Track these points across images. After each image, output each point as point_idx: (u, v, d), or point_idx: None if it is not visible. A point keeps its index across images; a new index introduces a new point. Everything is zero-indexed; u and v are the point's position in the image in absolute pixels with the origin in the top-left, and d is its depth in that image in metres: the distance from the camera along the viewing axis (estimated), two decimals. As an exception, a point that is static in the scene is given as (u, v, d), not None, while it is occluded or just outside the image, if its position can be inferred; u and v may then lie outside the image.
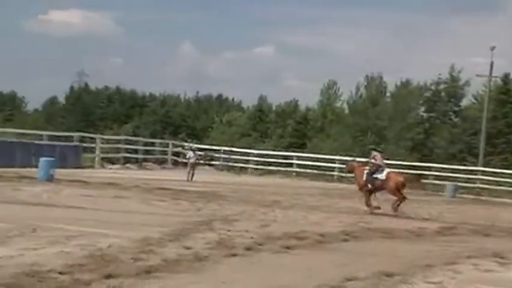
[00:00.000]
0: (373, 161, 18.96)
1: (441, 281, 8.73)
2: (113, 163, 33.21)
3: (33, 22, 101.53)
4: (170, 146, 38.48)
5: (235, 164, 37.42)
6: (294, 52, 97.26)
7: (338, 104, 55.55)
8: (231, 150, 38.09)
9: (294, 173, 36.12)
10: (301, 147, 45.21)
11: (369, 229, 13.89)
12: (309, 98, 64.45)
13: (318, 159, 36.20)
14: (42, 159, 21.04)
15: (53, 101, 68.58)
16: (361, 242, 12.01)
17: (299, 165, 36.57)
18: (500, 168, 34.92)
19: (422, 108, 48.68)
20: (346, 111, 53.91)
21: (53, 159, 21.71)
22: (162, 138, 43.68)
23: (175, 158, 37.53)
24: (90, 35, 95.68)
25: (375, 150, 20.27)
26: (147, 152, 36.79)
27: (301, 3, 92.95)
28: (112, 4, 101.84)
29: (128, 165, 33.39)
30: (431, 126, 46.34)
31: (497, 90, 43.63)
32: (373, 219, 16.06)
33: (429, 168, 35.28)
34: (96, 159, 31.37)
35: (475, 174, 35.12)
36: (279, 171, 36.63)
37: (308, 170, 35.90)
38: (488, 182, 33.88)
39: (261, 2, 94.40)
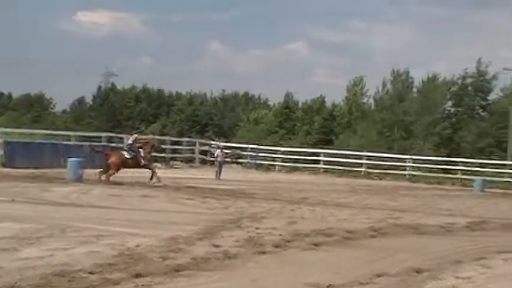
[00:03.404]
0: None
1: (471, 276, 8.65)
2: (141, 162, 33.34)
3: (61, 23, 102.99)
4: (197, 144, 38.59)
5: (263, 162, 37.40)
6: (321, 49, 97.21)
7: (364, 100, 55.33)
8: (258, 148, 38.08)
9: (322, 170, 36.02)
10: (328, 143, 45.14)
11: (397, 225, 13.80)
12: (336, 95, 64.34)
13: (345, 156, 36.08)
14: (71, 160, 21.14)
15: (80, 101, 69.22)
16: (389, 238, 11.92)
17: (326, 162, 36.45)
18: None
19: (450, 103, 48.29)
20: (373, 107, 53.62)
21: (81, 159, 21.79)
22: (189, 137, 43.82)
23: (202, 156, 37.65)
24: (118, 35, 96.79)
25: None
26: (174, 151, 36.94)
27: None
28: (139, 5, 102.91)
29: (155, 164, 33.51)
30: (459, 120, 45.91)
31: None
32: (402, 215, 15.94)
33: (457, 163, 34.98)
34: (124, 158, 31.53)
35: (503, 169, 34.63)
36: (306, 168, 36.58)
37: (335, 167, 35.79)
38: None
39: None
